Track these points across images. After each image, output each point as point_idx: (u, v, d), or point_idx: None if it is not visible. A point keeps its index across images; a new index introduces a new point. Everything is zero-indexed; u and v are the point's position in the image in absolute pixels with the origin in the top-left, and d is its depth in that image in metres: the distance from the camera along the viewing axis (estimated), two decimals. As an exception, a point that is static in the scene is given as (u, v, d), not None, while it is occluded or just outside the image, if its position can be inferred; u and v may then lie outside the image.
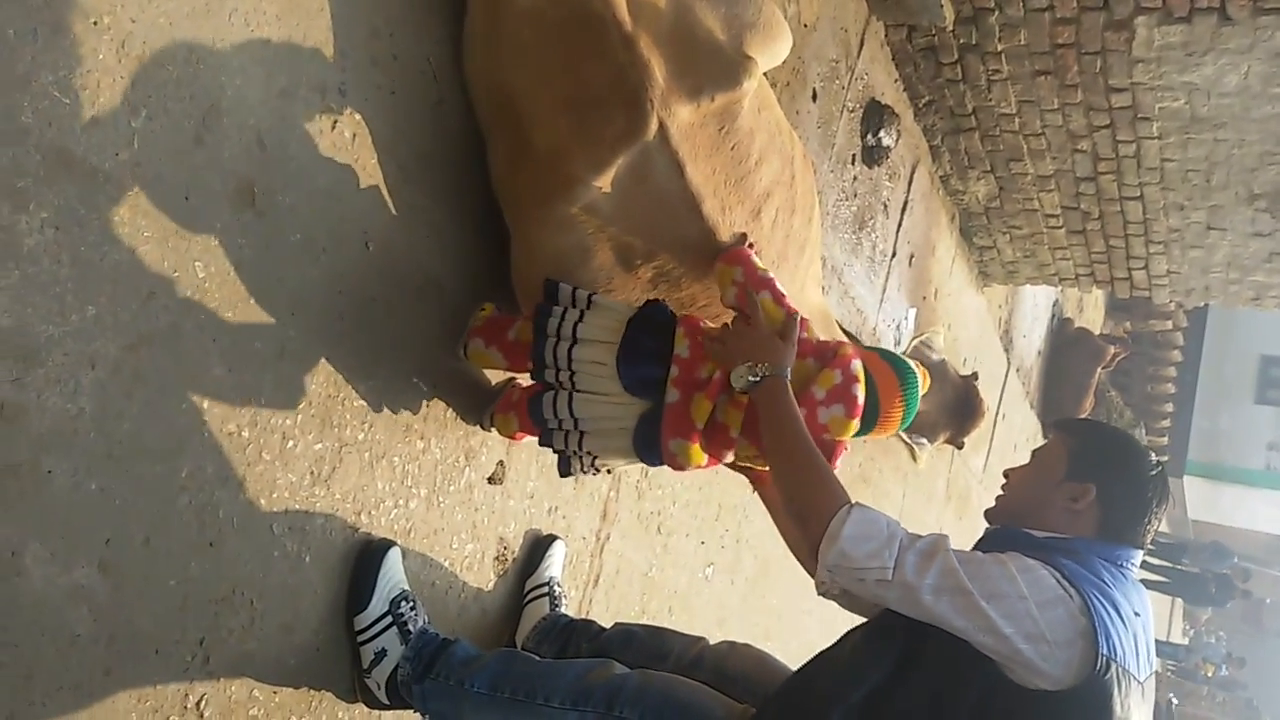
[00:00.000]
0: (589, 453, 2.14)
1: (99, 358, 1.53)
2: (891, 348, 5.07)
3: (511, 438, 2.38)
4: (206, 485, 1.73)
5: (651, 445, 2.03)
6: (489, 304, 2.31)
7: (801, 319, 2.03)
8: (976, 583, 1.56)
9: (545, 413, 2.12)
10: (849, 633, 1.88)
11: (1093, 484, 1.79)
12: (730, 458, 2.05)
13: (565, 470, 2.20)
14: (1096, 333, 9.54)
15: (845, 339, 2.14)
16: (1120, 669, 1.54)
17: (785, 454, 1.79)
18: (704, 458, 2.03)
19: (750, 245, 2.16)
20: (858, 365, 1.99)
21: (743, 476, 2.28)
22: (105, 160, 1.53)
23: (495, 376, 2.43)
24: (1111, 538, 1.77)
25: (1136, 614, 1.66)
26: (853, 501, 1.68)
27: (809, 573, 1.73)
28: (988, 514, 1.95)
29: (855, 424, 1.98)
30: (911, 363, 2.08)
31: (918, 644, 1.63)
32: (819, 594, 1.75)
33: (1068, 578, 1.61)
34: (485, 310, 2.30)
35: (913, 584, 1.58)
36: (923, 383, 2.08)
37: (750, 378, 1.87)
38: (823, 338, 2.08)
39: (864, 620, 2.06)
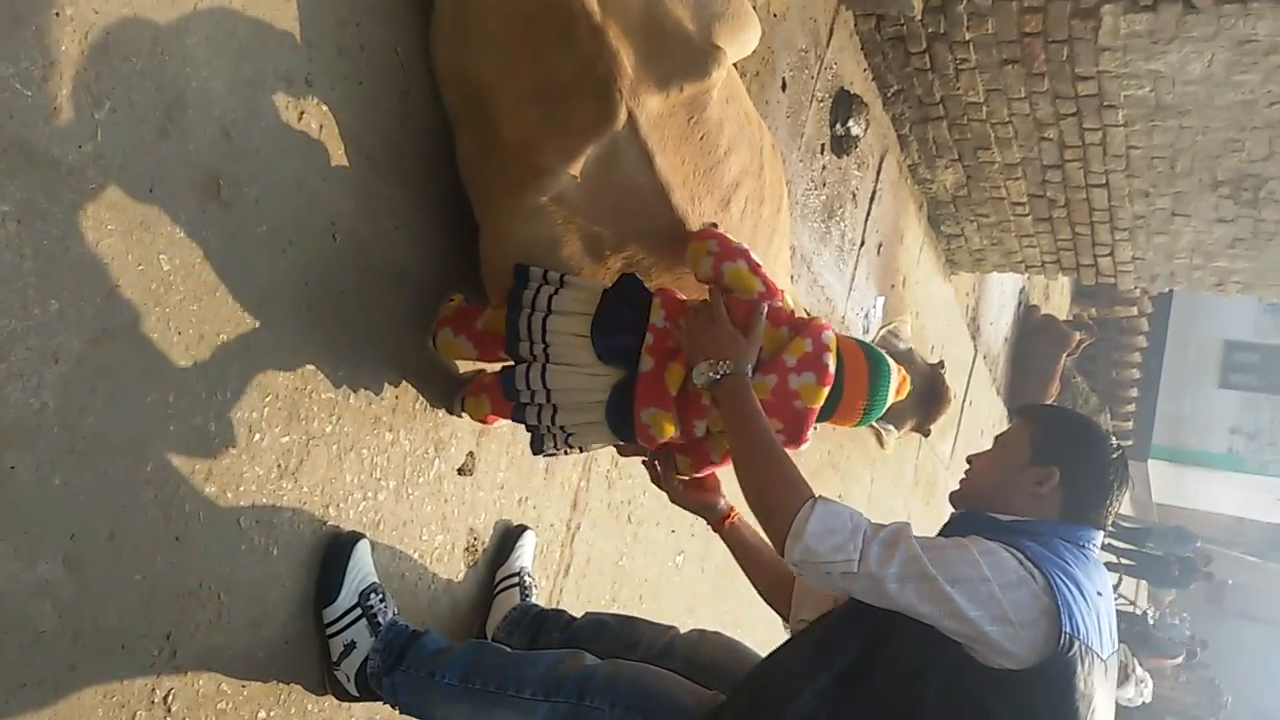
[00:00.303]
0: (562, 428, 2.12)
1: (62, 352, 1.52)
2: (860, 336, 5.10)
3: (483, 421, 2.37)
4: (172, 479, 1.71)
5: (624, 416, 2.03)
6: (457, 295, 2.30)
7: (777, 289, 2.04)
8: (940, 568, 1.58)
9: (518, 384, 2.09)
10: (818, 618, 1.90)
11: (1056, 468, 1.81)
12: (702, 429, 2.04)
13: (538, 448, 2.17)
14: (1062, 319, 9.62)
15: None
16: (1084, 646, 1.56)
17: (748, 452, 1.80)
18: (675, 429, 2.02)
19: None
20: (829, 336, 1.99)
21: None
22: (68, 153, 1.51)
23: (465, 367, 2.42)
24: (1074, 519, 1.79)
25: (1099, 594, 1.68)
26: (816, 496, 1.69)
27: None
28: (952, 498, 1.97)
29: (826, 391, 1.97)
30: (892, 365, 2.06)
31: (885, 626, 1.65)
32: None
33: (1030, 558, 1.62)
34: (454, 301, 2.30)
35: (877, 574, 1.59)
36: (897, 386, 2.06)
37: (712, 375, 1.88)
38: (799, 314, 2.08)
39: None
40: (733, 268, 2.02)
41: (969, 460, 2.00)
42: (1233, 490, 15.54)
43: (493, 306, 2.23)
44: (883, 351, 2.08)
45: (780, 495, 1.71)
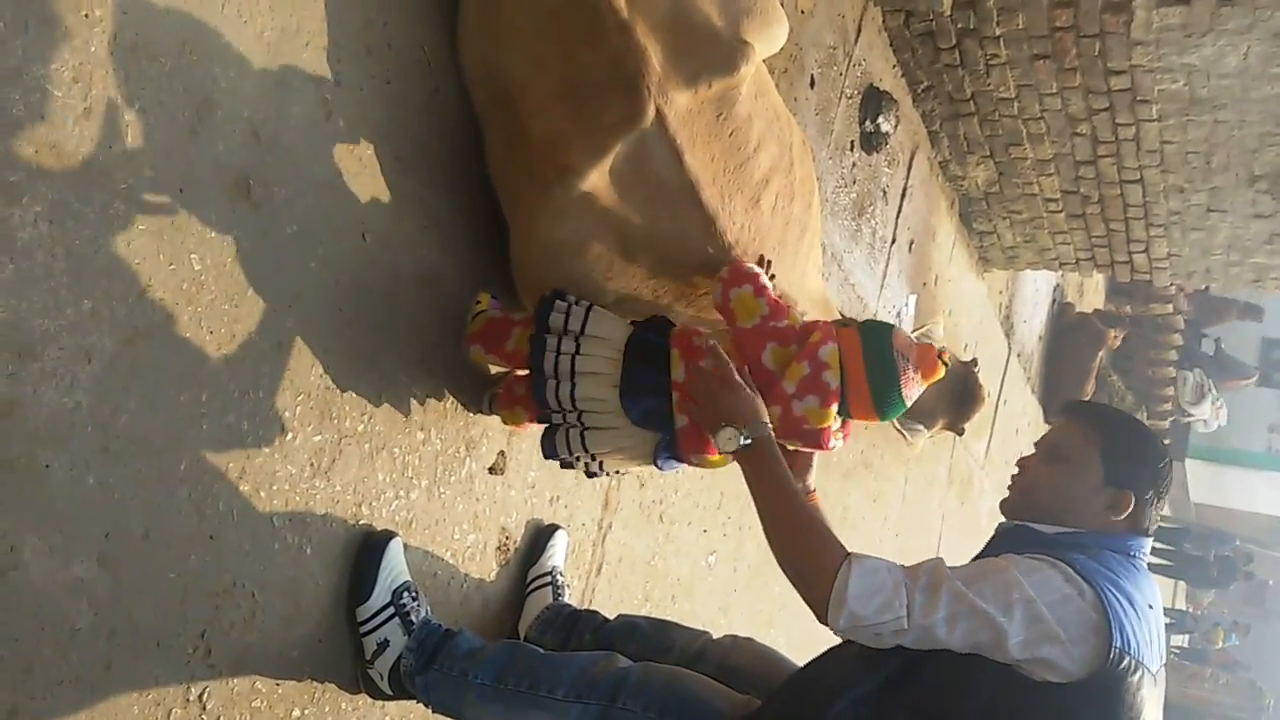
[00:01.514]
0: (601, 464, 2.18)
1: (95, 351, 1.53)
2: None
3: (518, 427, 2.38)
4: (205, 478, 1.72)
5: (672, 464, 2.09)
6: (485, 294, 2.30)
7: (783, 308, 2.02)
8: (986, 600, 1.55)
9: (561, 452, 2.14)
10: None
11: (1132, 491, 1.78)
12: None
13: (568, 465, 2.22)
14: (1095, 310, 9.52)
15: (826, 319, 2.09)
16: (1134, 660, 1.55)
17: (775, 516, 1.75)
18: (727, 459, 2.03)
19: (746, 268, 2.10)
20: (828, 351, 1.94)
21: None
22: (99, 153, 1.52)
23: (496, 369, 2.42)
24: (1123, 530, 1.77)
25: (1150, 606, 1.66)
26: (848, 555, 1.63)
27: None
28: (1006, 507, 1.92)
29: (832, 409, 1.95)
30: (896, 359, 1.95)
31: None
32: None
33: (1080, 572, 1.60)
34: (481, 303, 2.29)
35: (927, 624, 1.56)
36: (918, 375, 1.98)
37: (741, 441, 1.80)
38: (812, 317, 2.06)
39: None
40: (738, 293, 2.02)
41: (1020, 465, 1.95)
42: (1272, 489, 15.33)
43: (519, 323, 2.23)
44: (889, 340, 1.97)
45: (813, 560, 1.66)
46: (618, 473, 2.20)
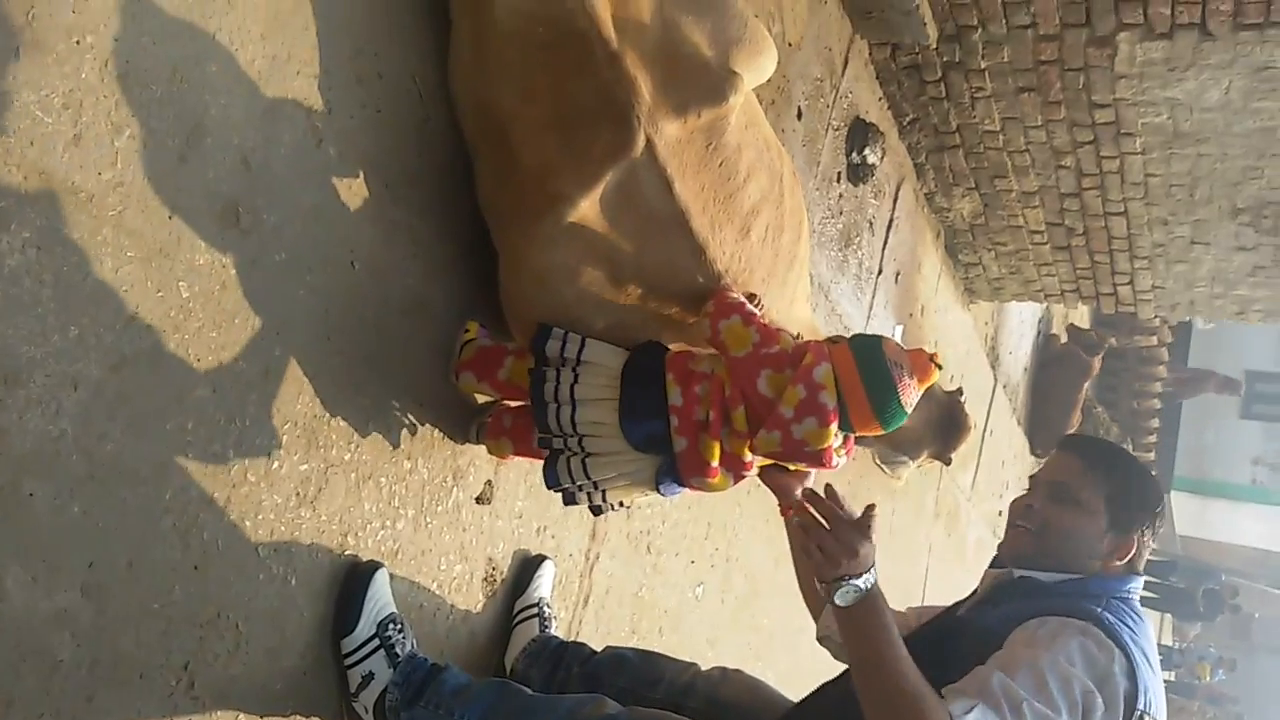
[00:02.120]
0: (604, 493, 2.16)
1: (81, 379, 1.52)
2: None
3: (503, 459, 2.37)
4: (190, 507, 1.70)
5: (674, 487, 2.09)
6: (473, 323, 2.30)
7: (773, 333, 2.02)
8: (1059, 710, 1.51)
9: (563, 480, 2.13)
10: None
11: (1135, 537, 1.79)
12: (755, 471, 2.07)
13: (570, 501, 2.22)
14: (1068, 324, 9.54)
15: (818, 339, 2.08)
16: (1152, 718, 1.58)
17: (873, 668, 1.58)
18: (729, 481, 2.06)
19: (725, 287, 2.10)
20: (822, 371, 1.93)
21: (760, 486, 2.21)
22: (88, 180, 1.51)
23: (483, 396, 2.41)
24: (1122, 572, 1.79)
25: (1153, 650, 1.68)
26: (946, 706, 1.51)
27: None
28: (1008, 553, 1.88)
29: (833, 430, 1.93)
30: (891, 368, 1.94)
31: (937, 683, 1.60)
32: None
33: (1110, 633, 1.60)
34: (469, 331, 2.29)
35: None
36: (914, 381, 1.96)
37: (861, 589, 1.60)
38: (802, 339, 2.06)
39: None
40: (727, 324, 2.02)
41: (1019, 506, 1.89)
42: (1257, 522, 15.37)
43: (512, 352, 2.23)
44: (881, 351, 1.96)
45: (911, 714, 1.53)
46: (621, 505, 2.18)
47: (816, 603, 2.15)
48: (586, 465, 2.09)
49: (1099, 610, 1.65)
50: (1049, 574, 1.80)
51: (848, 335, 2.06)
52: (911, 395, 1.96)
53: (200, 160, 1.69)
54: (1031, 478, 1.95)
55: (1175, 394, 12.88)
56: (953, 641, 1.73)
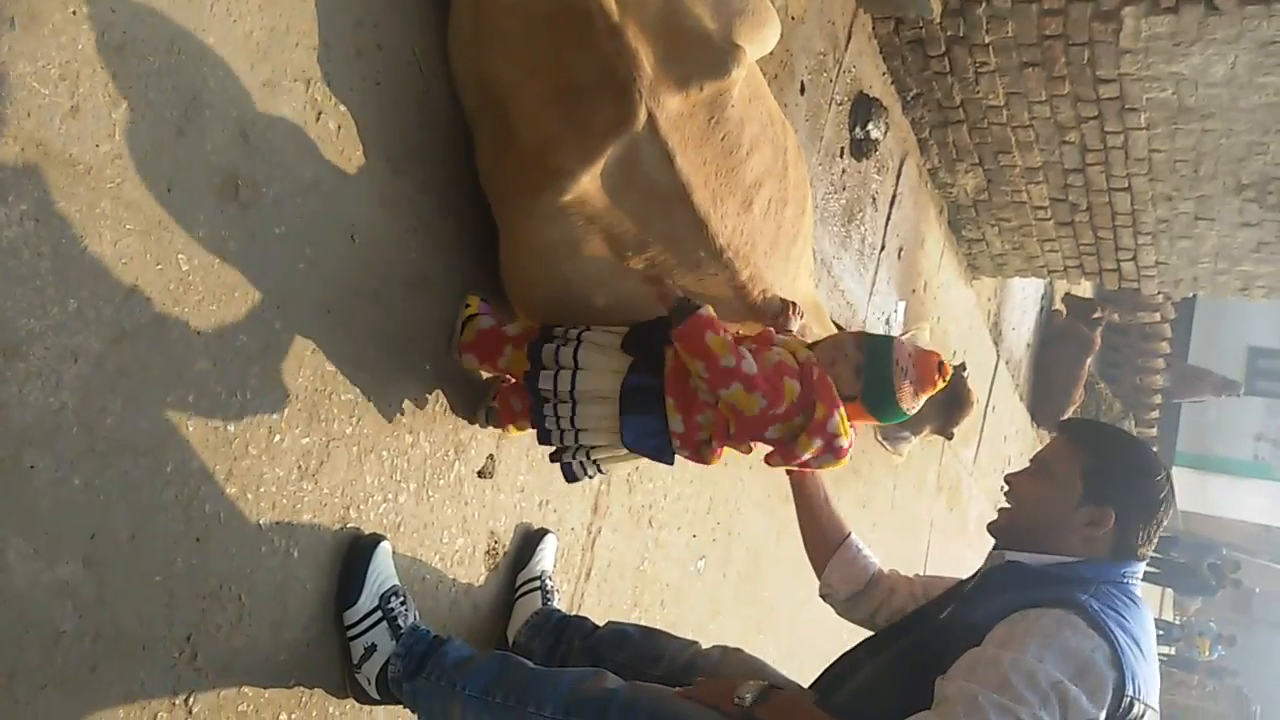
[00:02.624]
0: (596, 462, 2.21)
1: (81, 351, 1.52)
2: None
3: (520, 433, 2.43)
4: (192, 480, 1.71)
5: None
6: (474, 297, 2.29)
7: (779, 395, 1.96)
8: (1024, 702, 1.52)
9: (578, 474, 2.20)
10: (855, 659, 1.92)
11: (1112, 509, 1.77)
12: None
13: (571, 478, 2.25)
14: (1065, 294, 9.53)
15: (823, 368, 2.03)
16: (1143, 705, 1.57)
17: None
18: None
19: (698, 314, 1.98)
20: (835, 422, 1.96)
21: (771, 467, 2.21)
22: (85, 152, 1.51)
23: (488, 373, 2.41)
24: (1120, 558, 1.77)
25: (1146, 637, 1.66)
26: None
27: None
28: (993, 529, 1.91)
29: (846, 460, 2.02)
30: (895, 382, 1.99)
31: (920, 690, 1.62)
32: None
33: (1095, 622, 1.59)
34: (470, 305, 2.29)
35: None
36: (915, 390, 2.01)
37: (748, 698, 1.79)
38: (806, 375, 2.01)
39: (869, 635, 2.06)
40: (728, 394, 1.94)
41: (1007, 482, 1.94)
42: (1259, 497, 15.39)
43: (510, 340, 2.24)
44: (889, 355, 2.01)
45: None
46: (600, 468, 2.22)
47: (820, 558, 2.20)
48: (595, 459, 2.16)
49: (1084, 597, 1.64)
50: (1037, 556, 1.79)
51: (862, 330, 2.07)
52: (910, 401, 2.01)
53: (199, 133, 1.68)
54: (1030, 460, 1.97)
55: (1172, 393, 12.87)
56: (942, 641, 1.73)
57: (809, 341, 2.13)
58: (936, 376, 2.00)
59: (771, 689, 1.81)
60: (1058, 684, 1.53)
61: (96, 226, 1.53)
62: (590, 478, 2.24)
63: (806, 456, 1.98)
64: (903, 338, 2.10)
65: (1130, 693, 1.54)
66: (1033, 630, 1.60)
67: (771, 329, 2.13)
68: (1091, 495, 1.78)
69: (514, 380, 2.30)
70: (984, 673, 1.58)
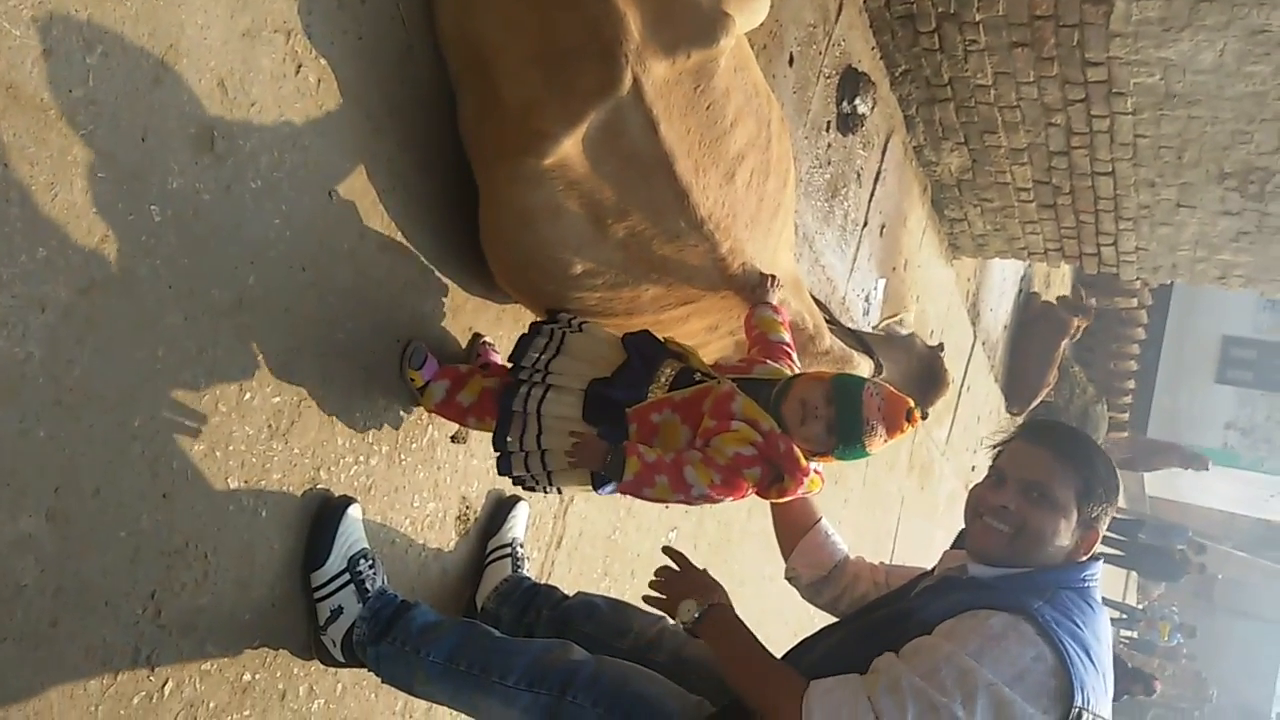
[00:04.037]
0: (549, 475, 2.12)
1: (49, 301, 1.49)
2: (860, 319, 5.07)
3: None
4: (160, 435, 1.68)
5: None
6: (413, 372, 2.20)
7: (744, 460, 1.94)
8: (948, 693, 1.53)
9: (529, 486, 2.12)
10: (819, 636, 1.92)
11: (1097, 530, 1.77)
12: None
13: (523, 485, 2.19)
14: (1059, 296, 9.59)
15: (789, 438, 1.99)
16: (1091, 715, 1.55)
17: (740, 674, 1.76)
18: None
19: (626, 473, 1.91)
20: (804, 486, 1.97)
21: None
22: (58, 97, 1.47)
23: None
24: (1079, 560, 1.76)
25: (1100, 644, 1.65)
26: (805, 685, 1.64)
27: None
28: (979, 551, 1.82)
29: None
30: (864, 429, 1.93)
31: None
32: None
33: (1043, 630, 1.57)
34: (415, 380, 2.20)
35: None
36: (883, 432, 1.96)
37: (694, 614, 1.82)
38: (769, 449, 1.97)
39: (834, 620, 2.06)
40: (691, 472, 1.92)
41: (987, 495, 1.82)
42: (1226, 485, 15.57)
43: (473, 414, 2.21)
44: (859, 401, 1.94)
45: (777, 700, 1.66)
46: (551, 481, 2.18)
47: (788, 542, 2.20)
48: (553, 480, 2.09)
49: (1038, 605, 1.62)
50: (994, 570, 1.77)
51: (826, 376, 2.01)
52: (877, 446, 1.97)
53: (175, 82, 1.65)
54: (995, 467, 1.85)
55: (1135, 463, 12.92)
56: (896, 630, 1.73)
57: (776, 376, 2.06)
58: (905, 423, 1.96)
59: (712, 607, 1.82)
60: (990, 686, 1.52)
61: (68, 174, 1.50)
62: (541, 490, 2.16)
63: (774, 498, 2.03)
64: (888, 320, 2.08)
65: (1079, 703, 1.52)
66: (979, 630, 1.59)
67: (732, 389, 2.00)
68: (1084, 520, 1.76)
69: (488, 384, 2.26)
70: (920, 658, 1.59)
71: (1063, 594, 1.68)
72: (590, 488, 1.99)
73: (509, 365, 2.16)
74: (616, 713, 1.81)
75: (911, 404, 1.98)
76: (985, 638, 1.58)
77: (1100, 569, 1.77)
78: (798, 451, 1.95)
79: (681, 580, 1.90)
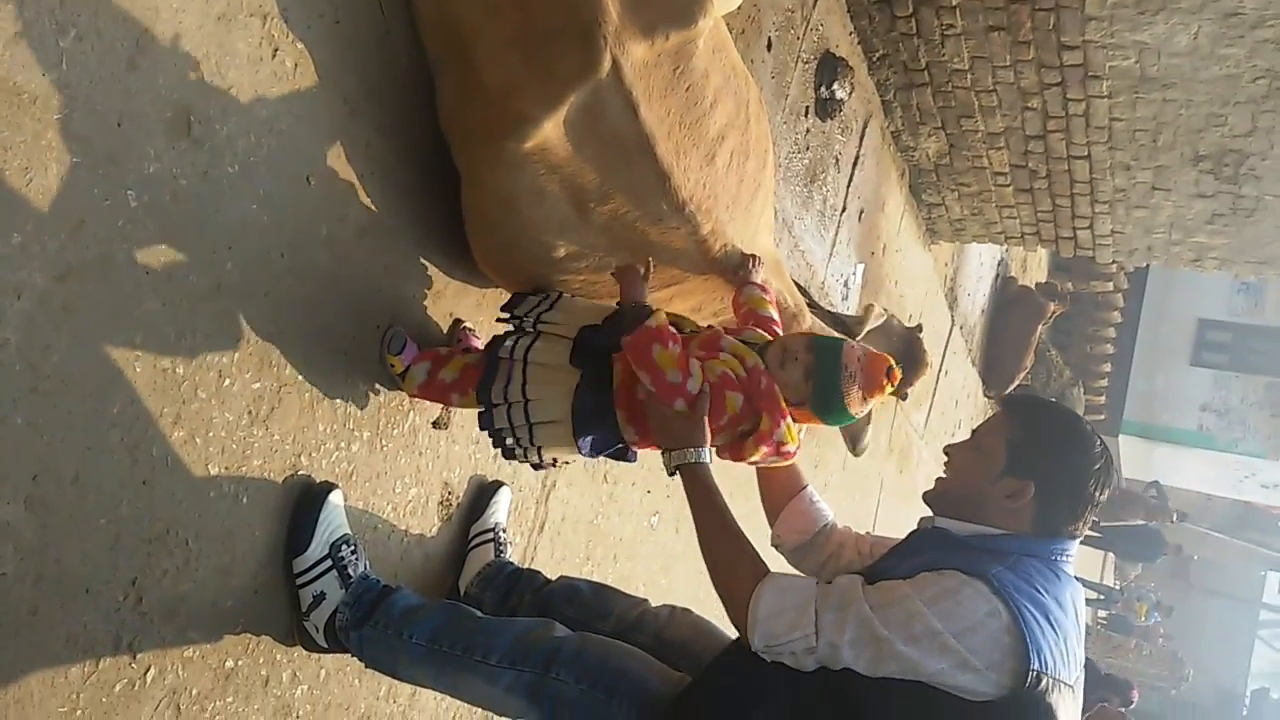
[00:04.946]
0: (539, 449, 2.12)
1: (25, 287, 1.47)
2: (840, 304, 5.08)
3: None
4: (139, 422, 1.67)
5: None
6: (392, 357, 2.19)
7: (729, 381, 1.95)
8: (891, 629, 1.56)
9: (509, 447, 2.09)
10: None
11: (1031, 481, 1.75)
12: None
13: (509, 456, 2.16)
14: (1037, 283, 9.63)
15: (770, 375, 1.99)
16: (1051, 679, 1.55)
17: (707, 536, 1.82)
18: None
19: (647, 326, 1.93)
20: (781, 431, 1.96)
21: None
22: (31, 80, 1.46)
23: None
24: (1046, 533, 1.75)
25: (1064, 613, 1.65)
26: (766, 573, 1.70)
27: None
28: (926, 497, 1.92)
29: (792, 459, 2.08)
30: (843, 387, 1.95)
31: None
32: None
33: (998, 590, 1.59)
34: (395, 367, 2.19)
35: (835, 642, 1.59)
36: (862, 394, 1.97)
37: (674, 465, 1.88)
38: (751, 385, 1.97)
39: None
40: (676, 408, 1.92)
41: (946, 453, 1.94)
42: (1201, 467, 15.67)
43: (456, 390, 2.17)
44: (838, 360, 1.96)
45: (735, 581, 1.72)
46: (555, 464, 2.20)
47: (773, 509, 2.23)
48: (541, 454, 2.09)
49: (997, 569, 1.63)
50: (964, 525, 1.79)
51: (814, 332, 2.05)
52: (858, 406, 1.98)
53: (151, 66, 1.63)
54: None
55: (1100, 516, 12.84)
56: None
57: (761, 340, 2.08)
58: (885, 381, 1.97)
59: (695, 465, 1.87)
60: (937, 634, 1.54)
61: (42, 159, 1.48)
62: (535, 463, 2.14)
63: (755, 459, 2.00)
64: (857, 314, 2.09)
65: (1035, 666, 1.52)
66: (937, 582, 1.62)
67: (720, 330, 2.06)
68: (1012, 467, 1.77)
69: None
70: (878, 594, 1.64)
71: (1027, 560, 1.70)
72: (572, 446, 2.01)
73: (502, 317, 2.17)
74: (599, 688, 1.81)
75: (892, 362, 2.00)
76: (941, 589, 1.61)
77: (1075, 548, 1.78)
78: (778, 391, 1.96)
79: (661, 426, 1.92)
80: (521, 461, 2.12)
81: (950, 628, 1.55)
